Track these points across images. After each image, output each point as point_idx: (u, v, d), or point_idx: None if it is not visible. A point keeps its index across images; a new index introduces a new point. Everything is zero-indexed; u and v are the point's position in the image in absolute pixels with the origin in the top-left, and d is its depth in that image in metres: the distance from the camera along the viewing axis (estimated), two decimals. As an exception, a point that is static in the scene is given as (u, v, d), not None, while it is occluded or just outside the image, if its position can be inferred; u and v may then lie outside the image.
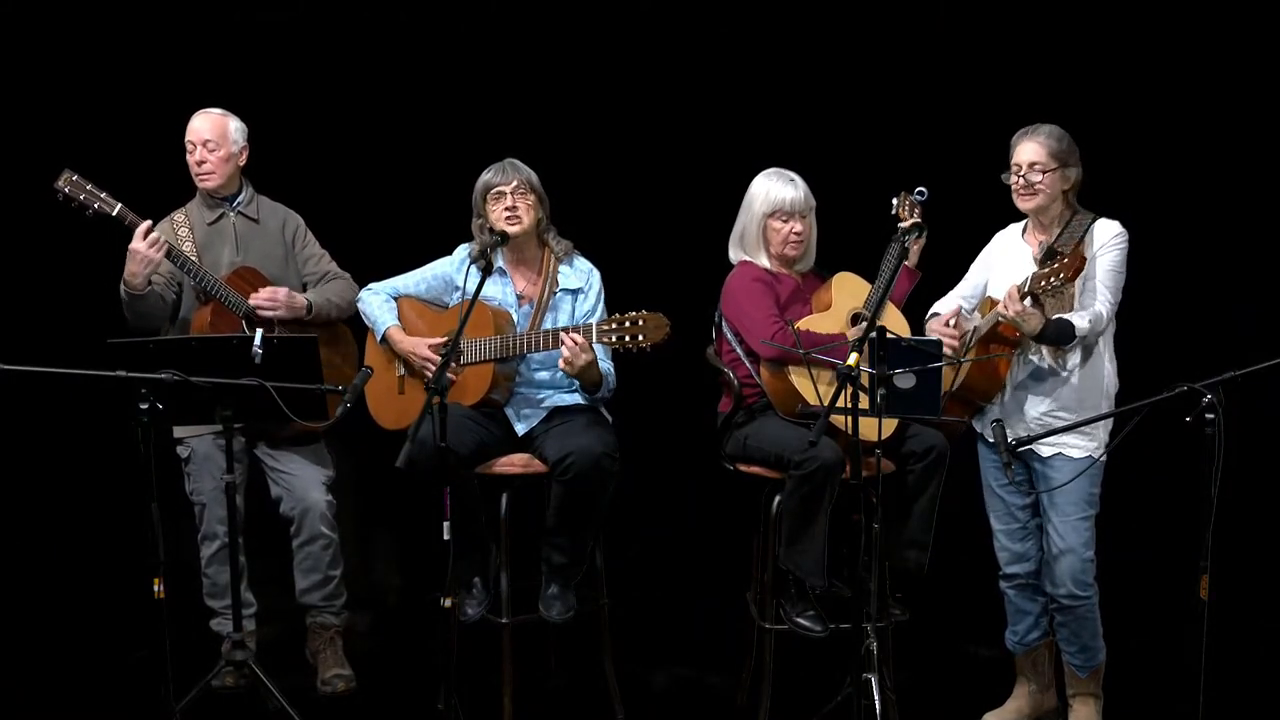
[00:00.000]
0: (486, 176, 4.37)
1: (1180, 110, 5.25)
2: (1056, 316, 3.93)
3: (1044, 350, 4.04)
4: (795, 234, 4.32)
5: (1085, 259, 3.82)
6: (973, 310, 4.28)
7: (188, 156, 4.55)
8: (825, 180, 4.42)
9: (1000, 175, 4.06)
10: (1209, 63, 5.21)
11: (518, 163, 4.38)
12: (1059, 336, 3.94)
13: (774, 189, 4.31)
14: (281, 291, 4.49)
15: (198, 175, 4.55)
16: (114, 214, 4.34)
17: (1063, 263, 3.80)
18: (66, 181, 4.34)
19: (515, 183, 4.33)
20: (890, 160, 5.04)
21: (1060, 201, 4.05)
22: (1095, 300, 3.97)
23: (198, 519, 4.54)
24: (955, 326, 4.23)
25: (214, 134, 4.53)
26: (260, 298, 4.45)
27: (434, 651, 3.86)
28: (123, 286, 4.34)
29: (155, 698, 3.91)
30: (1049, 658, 4.31)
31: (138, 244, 4.28)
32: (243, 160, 4.61)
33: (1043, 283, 3.83)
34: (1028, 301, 3.90)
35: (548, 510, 4.26)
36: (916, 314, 4.33)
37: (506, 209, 4.32)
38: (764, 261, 4.36)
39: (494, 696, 4.30)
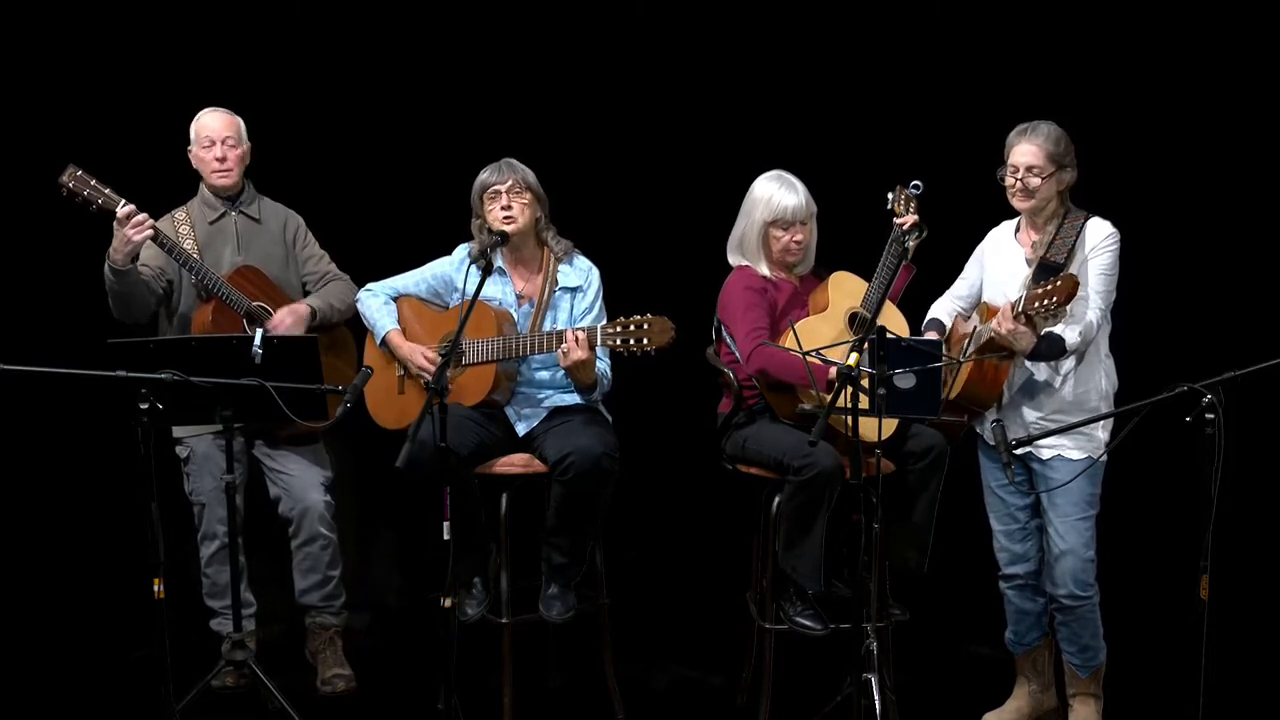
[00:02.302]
0: (483, 176, 4.37)
1: (1180, 108, 5.24)
2: (1046, 332, 3.94)
3: None
4: (796, 242, 4.31)
5: (1077, 283, 3.82)
6: (970, 312, 4.28)
7: (204, 153, 4.54)
8: (822, 177, 4.42)
9: (996, 171, 4.06)
10: (1209, 62, 5.21)
11: (514, 162, 4.38)
12: (1050, 352, 3.96)
13: (776, 196, 4.29)
14: (288, 317, 4.47)
15: (217, 172, 4.55)
16: (118, 210, 4.33)
17: (1056, 286, 3.80)
18: (70, 177, 4.33)
19: (510, 182, 4.33)
20: (885, 155, 5.04)
21: (1055, 201, 4.06)
22: (1085, 309, 3.97)
23: (197, 519, 4.55)
24: (954, 329, 4.23)
25: (232, 131, 4.55)
26: (276, 327, 4.43)
27: (434, 651, 3.85)
28: (106, 265, 4.32)
29: (155, 698, 3.91)
30: (1049, 658, 4.31)
31: (117, 226, 4.27)
32: (248, 159, 4.62)
33: (1037, 304, 3.83)
34: (1021, 320, 3.90)
35: (548, 510, 4.26)
36: (913, 312, 4.32)
37: (502, 208, 4.32)
38: (763, 268, 4.35)
39: (494, 696, 4.30)
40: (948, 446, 4.19)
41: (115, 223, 4.28)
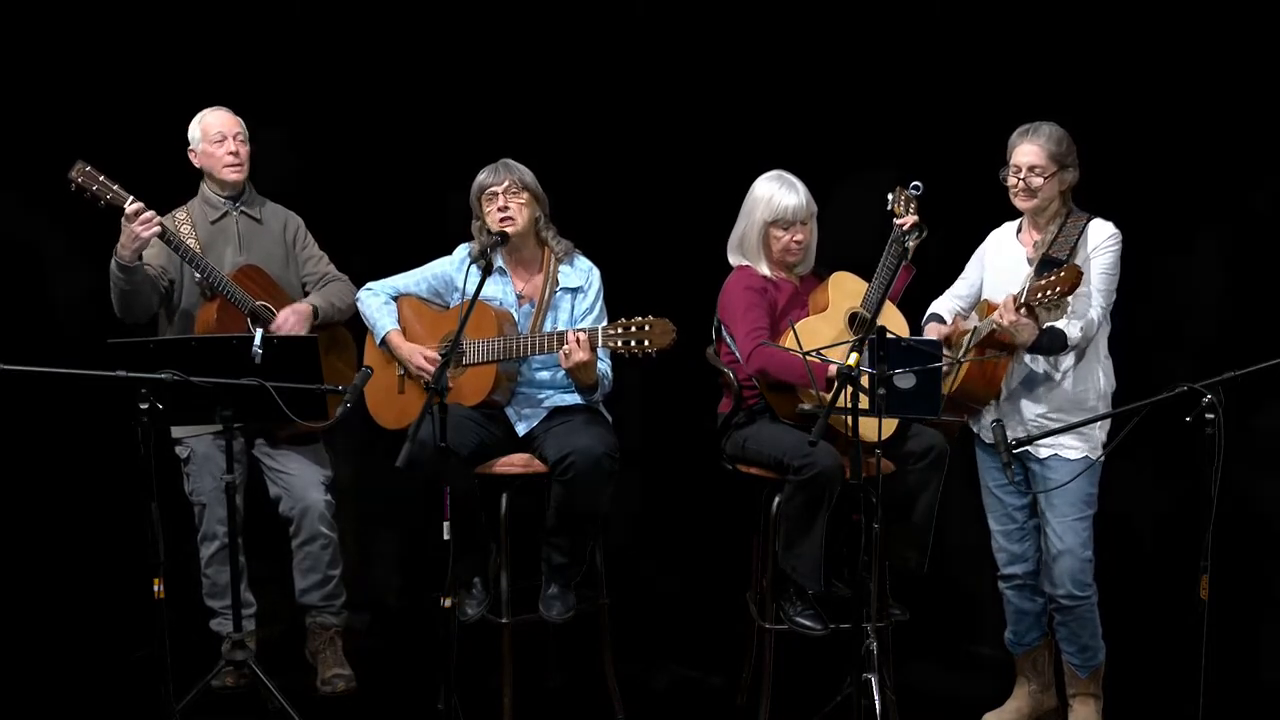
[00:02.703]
0: (481, 177, 4.37)
1: (1181, 109, 5.24)
2: (1048, 325, 3.94)
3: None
4: (796, 242, 4.31)
5: (1081, 273, 3.83)
6: (969, 312, 4.28)
7: (215, 149, 4.54)
8: (822, 177, 4.42)
9: (998, 172, 4.07)
10: (1208, 62, 5.20)
11: (510, 162, 4.38)
12: (1051, 346, 3.96)
13: (776, 196, 4.29)
14: (291, 316, 4.47)
15: (230, 166, 4.55)
16: (126, 207, 4.33)
17: (1060, 276, 3.81)
18: (79, 172, 4.33)
19: (507, 182, 4.33)
20: (885, 155, 5.04)
21: (1057, 201, 4.06)
22: (1088, 306, 3.98)
23: (197, 519, 4.55)
24: (952, 328, 4.23)
25: (241, 127, 4.58)
26: (280, 327, 4.44)
27: (434, 651, 3.85)
28: (113, 261, 4.32)
29: (155, 698, 3.91)
30: (1049, 658, 4.31)
31: (125, 222, 4.27)
32: None
33: (1039, 295, 3.84)
34: (1023, 311, 3.90)
35: (548, 510, 4.26)
36: (913, 312, 4.32)
37: (499, 209, 4.32)
38: (763, 268, 4.35)
39: (494, 696, 4.30)
40: (948, 446, 4.19)
41: (123, 219, 4.28)
